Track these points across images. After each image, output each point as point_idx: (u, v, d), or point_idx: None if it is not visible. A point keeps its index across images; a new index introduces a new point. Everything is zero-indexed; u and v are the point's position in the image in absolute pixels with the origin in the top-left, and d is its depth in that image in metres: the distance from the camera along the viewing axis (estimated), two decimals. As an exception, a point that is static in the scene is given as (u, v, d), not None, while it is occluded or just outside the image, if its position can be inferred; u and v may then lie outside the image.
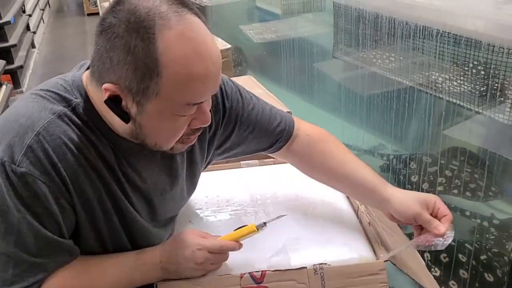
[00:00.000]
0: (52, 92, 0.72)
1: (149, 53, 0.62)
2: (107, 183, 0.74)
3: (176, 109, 0.68)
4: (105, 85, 0.66)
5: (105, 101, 0.67)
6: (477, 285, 1.24)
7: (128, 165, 0.76)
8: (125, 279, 0.77)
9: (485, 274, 1.24)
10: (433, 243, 0.79)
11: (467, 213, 1.39)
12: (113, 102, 0.67)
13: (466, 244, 1.30)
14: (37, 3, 5.46)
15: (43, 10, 5.80)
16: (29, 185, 0.66)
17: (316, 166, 0.95)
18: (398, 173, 1.52)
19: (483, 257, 1.26)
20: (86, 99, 0.72)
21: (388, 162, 1.60)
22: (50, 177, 0.68)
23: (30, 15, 4.72)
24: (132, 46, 0.62)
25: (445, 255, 1.30)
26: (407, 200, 0.83)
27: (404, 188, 1.24)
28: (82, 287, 0.75)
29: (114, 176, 0.75)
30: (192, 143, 0.78)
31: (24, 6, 4.61)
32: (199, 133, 0.76)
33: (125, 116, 0.68)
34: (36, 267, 0.70)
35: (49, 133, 0.68)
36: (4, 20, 3.65)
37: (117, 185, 0.75)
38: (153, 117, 0.68)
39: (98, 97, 0.70)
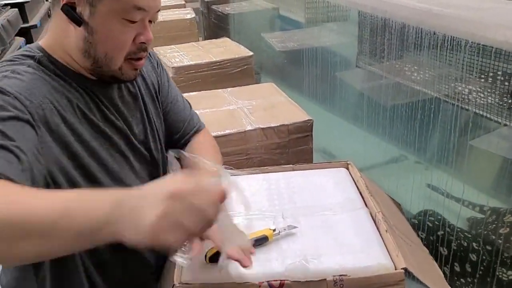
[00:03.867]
0: (17, 56, 0.79)
1: None
2: (80, 126, 0.79)
3: (124, 12, 0.76)
4: None
5: (62, 8, 0.76)
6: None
7: (103, 105, 0.84)
8: (59, 205, 0.54)
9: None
10: None
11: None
12: (69, 9, 0.76)
13: None
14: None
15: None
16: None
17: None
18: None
19: None
20: (46, 53, 0.80)
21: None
22: (18, 97, 0.70)
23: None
24: None
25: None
26: None
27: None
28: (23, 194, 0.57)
29: (86, 119, 0.80)
30: (140, 67, 0.84)
31: (50, 10, 4.73)
32: (145, 55, 0.83)
33: (78, 20, 0.76)
34: None
35: (21, 72, 0.75)
36: (31, 23, 3.75)
37: (91, 126, 0.81)
38: (103, 19, 0.76)
39: (58, 34, 0.79)
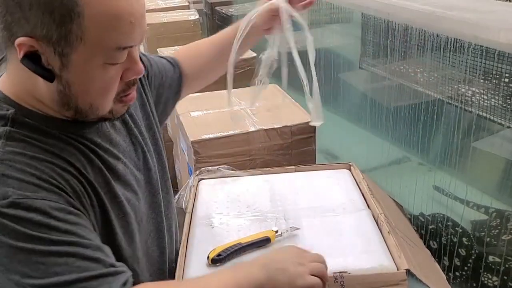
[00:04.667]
0: None
1: None
2: (94, 184, 0.68)
3: (105, 56, 0.61)
4: (18, 40, 0.57)
5: (21, 60, 0.59)
6: None
7: (100, 149, 0.71)
8: (230, 280, 0.68)
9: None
10: None
11: None
12: (31, 60, 0.59)
13: None
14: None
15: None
16: (30, 208, 0.57)
17: (203, 60, 1.02)
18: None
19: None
20: (15, 104, 0.64)
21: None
22: (43, 190, 0.60)
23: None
24: None
25: None
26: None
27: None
28: None
29: (94, 173, 0.69)
30: (133, 101, 0.72)
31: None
32: (135, 88, 0.70)
33: (48, 75, 0.60)
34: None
35: (11, 158, 0.60)
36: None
37: (96, 181, 0.68)
38: (80, 69, 0.61)
39: (23, 82, 0.63)
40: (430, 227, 1.46)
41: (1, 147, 0.60)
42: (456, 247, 1.35)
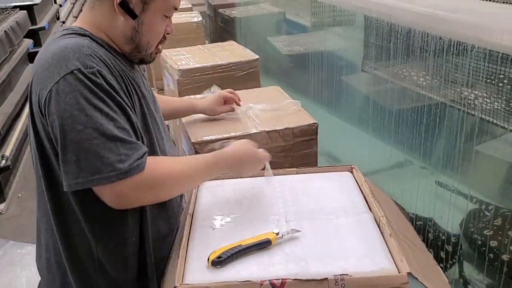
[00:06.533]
0: (70, 33, 0.92)
1: None
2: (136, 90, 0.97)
3: (166, 10, 0.97)
4: None
5: (119, 3, 0.91)
6: None
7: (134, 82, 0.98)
8: (201, 170, 0.98)
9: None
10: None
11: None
12: (125, 4, 0.91)
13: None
14: (71, 10, 5.64)
15: (75, 18, 5.98)
16: (106, 79, 0.86)
17: None
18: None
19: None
20: (90, 33, 0.94)
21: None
22: (114, 76, 0.89)
23: (63, 22, 4.88)
24: None
25: None
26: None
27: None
28: (172, 164, 0.95)
29: (134, 85, 0.97)
30: (160, 52, 1.07)
31: (58, 13, 4.77)
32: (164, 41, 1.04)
33: (133, 14, 0.93)
34: (136, 148, 0.87)
35: (93, 47, 0.90)
36: (39, 25, 3.78)
37: (139, 92, 0.98)
38: (152, 15, 0.95)
39: (103, 22, 0.95)
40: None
41: (88, 41, 0.91)
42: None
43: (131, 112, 0.90)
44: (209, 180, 1.16)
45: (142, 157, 0.87)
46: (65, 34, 0.92)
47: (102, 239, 0.94)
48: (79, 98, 0.83)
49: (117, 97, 0.87)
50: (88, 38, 0.92)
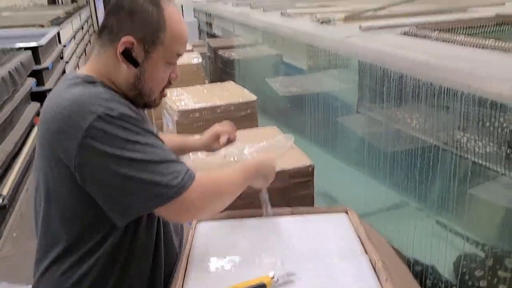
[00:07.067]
0: (81, 81, 0.96)
1: (160, 15, 0.97)
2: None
3: (169, 57, 1.00)
4: (125, 38, 0.95)
5: (122, 52, 0.95)
6: None
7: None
8: (239, 176, 1.07)
9: None
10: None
11: None
12: (127, 53, 0.95)
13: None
14: (75, 50, 5.77)
15: (79, 57, 6.11)
16: (130, 115, 0.91)
17: None
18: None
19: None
20: (98, 80, 0.97)
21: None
22: (134, 112, 0.93)
23: (67, 62, 4.98)
24: (150, 10, 0.96)
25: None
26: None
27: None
28: (217, 177, 1.04)
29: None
30: (165, 96, 1.09)
31: (62, 53, 4.88)
32: (168, 87, 1.07)
33: (135, 63, 0.97)
34: (181, 163, 0.94)
35: (108, 91, 0.95)
36: (43, 66, 3.86)
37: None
38: (154, 62, 0.98)
39: (107, 69, 0.98)
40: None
41: (101, 87, 0.95)
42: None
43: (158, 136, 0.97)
44: (206, 220, 1.17)
45: (188, 168, 0.94)
46: (76, 83, 0.95)
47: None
48: (115, 140, 0.87)
49: (145, 125, 0.94)
50: (100, 84, 0.96)
